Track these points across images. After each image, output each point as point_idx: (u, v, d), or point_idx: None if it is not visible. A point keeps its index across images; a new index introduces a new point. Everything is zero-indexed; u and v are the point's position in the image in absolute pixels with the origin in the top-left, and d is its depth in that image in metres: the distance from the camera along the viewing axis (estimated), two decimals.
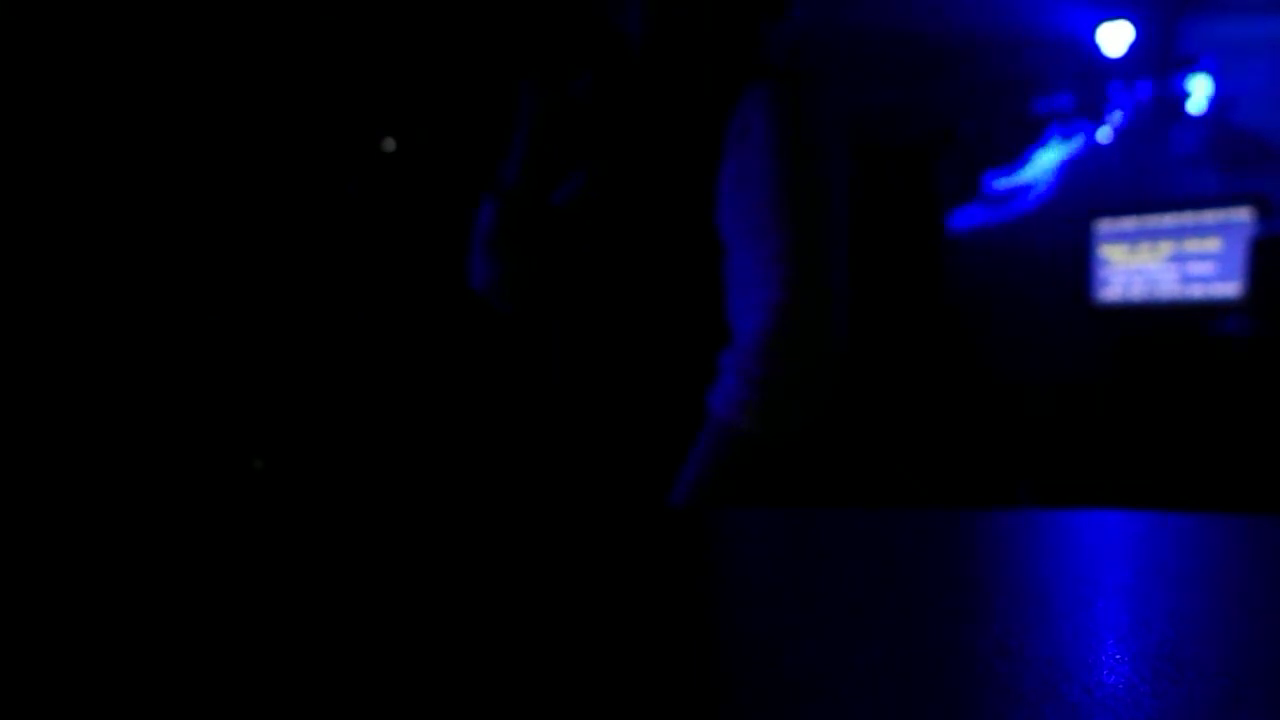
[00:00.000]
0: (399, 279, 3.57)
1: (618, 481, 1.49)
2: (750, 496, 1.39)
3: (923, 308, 5.41)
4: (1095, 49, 5.53)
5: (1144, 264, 5.62)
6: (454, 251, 1.77)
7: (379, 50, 3.53)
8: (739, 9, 1.56)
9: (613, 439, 1.51)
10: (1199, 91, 5.53)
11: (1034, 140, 5.77)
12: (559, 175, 1.60)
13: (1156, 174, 5.78)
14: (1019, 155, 5.79)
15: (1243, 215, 5.29)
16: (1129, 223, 5.68)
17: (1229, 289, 5.32)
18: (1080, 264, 5.75)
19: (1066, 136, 5.72)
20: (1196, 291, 5.44)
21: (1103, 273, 5.72)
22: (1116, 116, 5.64)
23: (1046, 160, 5.76)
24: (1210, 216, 5.43)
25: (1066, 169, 5.76)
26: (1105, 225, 5.74)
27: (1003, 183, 5.78)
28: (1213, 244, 5.40)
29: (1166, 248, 5.56)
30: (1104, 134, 5.60)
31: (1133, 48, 5.49)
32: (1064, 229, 5.77)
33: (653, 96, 1.57)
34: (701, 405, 1.43)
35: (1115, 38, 5.47)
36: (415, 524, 1.00)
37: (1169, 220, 5.57)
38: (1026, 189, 5.82)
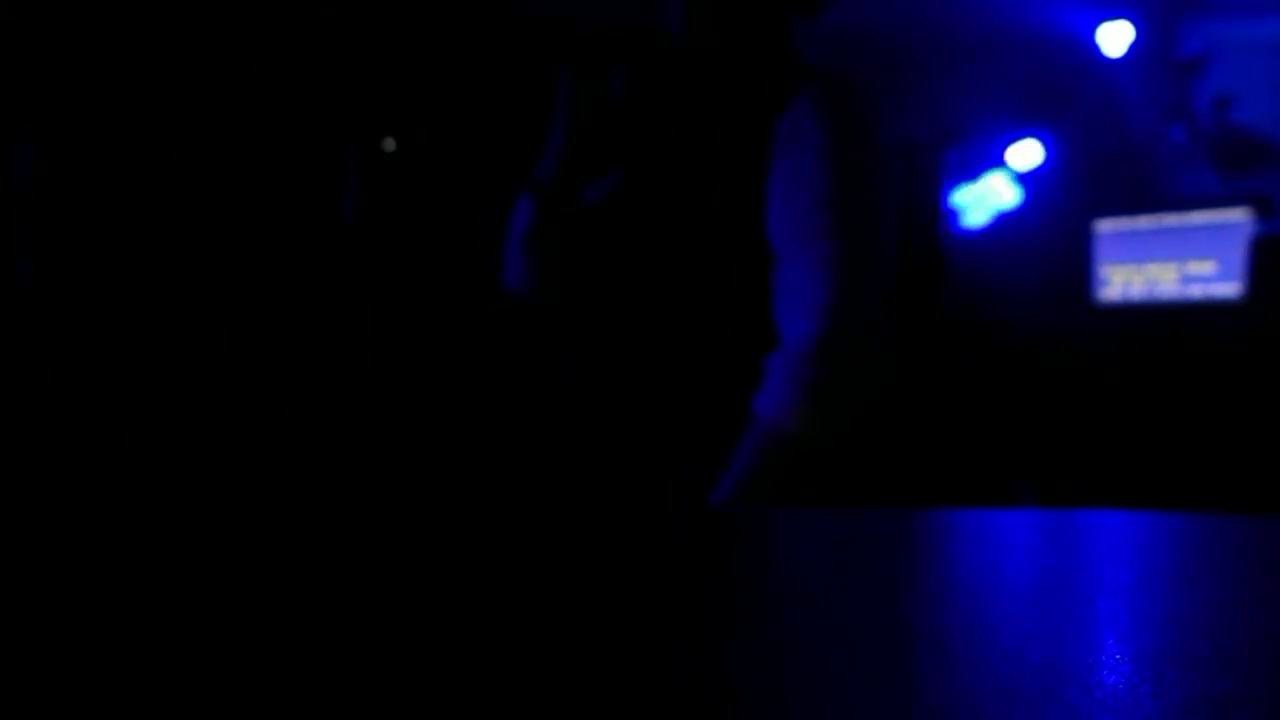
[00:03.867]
0: (397, 279, 3.57)
1: (657, 483, 1.49)
2: (791, 499, 1.39)
3: (923, 307, 5.41)
4: (1096, 49, 5.53)
5: (1144, 264, 5.62)
6: (452, 252, 1.76)
7: (379, 50, 3.53)
8: (774, 5, 1.56)
9: (653, 440, 1.50)
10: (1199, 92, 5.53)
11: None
12: (596, 172, 1.59)
13: (1156, 174, 5.78)
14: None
15: (1242, 215, 5.29)
16: (1129, 223, 5.68)
17: (1229, 289, 5.32)
18: (1080, 264, 5.75)
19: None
20: (1196, 291, 5.44)
21: (1103, 273, 5.72)
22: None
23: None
24: (1210, 216, 5.43)
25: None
26: (1105, 225, 5.74)
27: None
28: (1212, 244, 5.40)
29: (1166, 248, 5.56)
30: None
31: (1133, 48, 5.49)
32: (1064, 229, 5.77)
33: (693, 93, 1.57)
34: (744, 407, 1.42)
35: (1115, 38, 5.46)
36: (444, 526, 1.00)
37: (1169, 220, 5.57)
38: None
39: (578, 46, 1.55)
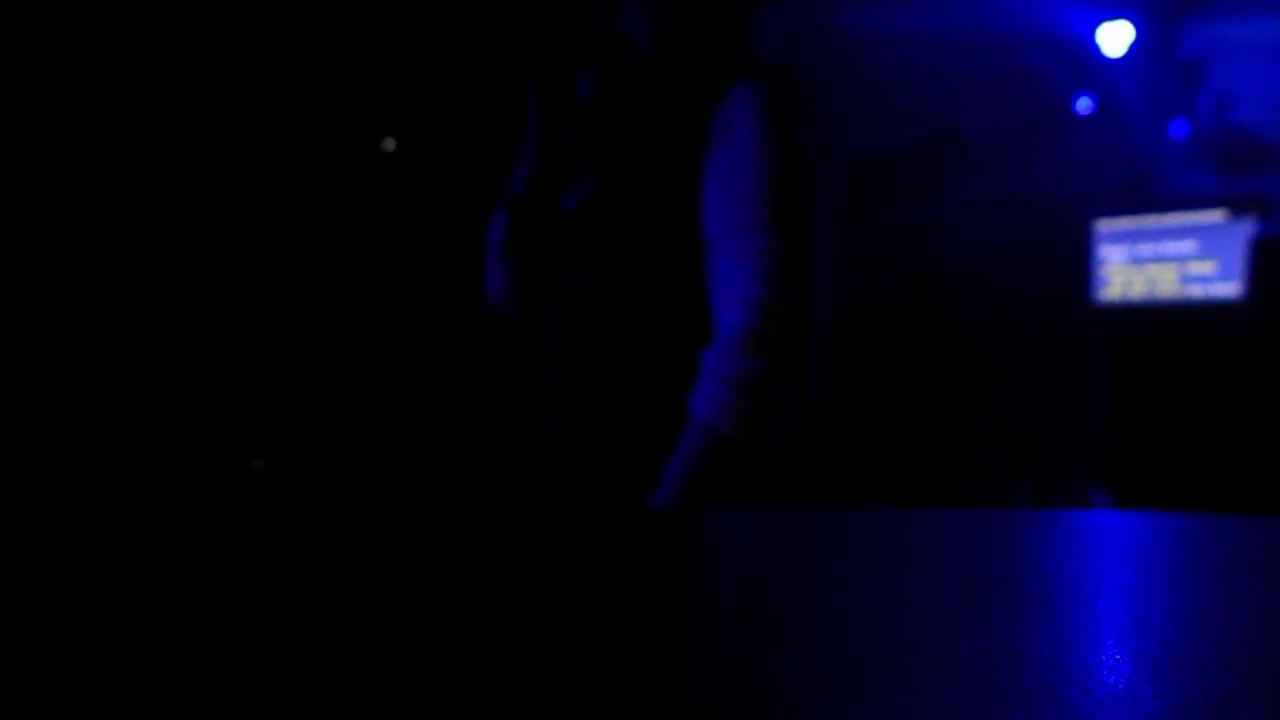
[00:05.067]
0: (397, 279, 3.57)
1: (601, 482, 1.49)
2: (731, 497, 1.39)
3: (923, 308, 5.41)
4: (1096, 49, 5.53)
5: (1143, 264, 5.62)
6: (452, 251, 1.76)
7: (379, 50, 3.53)
8: (736, 4, 1.56)
9: (597, 439, 1.51)
10: (1198, 91, 5.53)
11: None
12: (569, 180, 1.60)
13: (1156, 174, 5.78)
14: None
15: (1242, 215, 5.29)
16: (1129, 223, 5.68)
17: (1229, 289, 5.32)
18: (1080, 264, 5.75)
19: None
20: (1196, 291, 5.44)
21: (1103, 273, 5.72)
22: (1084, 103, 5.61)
23: None
24: (1210, 216, 5.43)
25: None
26: (1105, 225, 5.74)
27: None
28: (1212, 244, 5.39)
29: (1166, 248, 5.56)
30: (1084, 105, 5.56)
31: (1133, 48, 5.49)
32: (1064, 229, 5.77)
33: (657, 98, 1.57)
34: (683, 404, 1.42)
35: (1115, 38, 5.47)
36: (403, 524, 1.00)
37: (1169, 220, 5.57)
38: None
39: (544, 54, 1.56)
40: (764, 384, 1.38)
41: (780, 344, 1.39)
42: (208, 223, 3.27)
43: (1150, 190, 5.80)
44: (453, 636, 0.57)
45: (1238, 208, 5.33)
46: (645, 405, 1.47)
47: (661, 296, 1.49)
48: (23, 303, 2.85)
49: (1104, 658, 0.53)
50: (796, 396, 1.42)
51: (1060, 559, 0.87)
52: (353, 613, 0.63)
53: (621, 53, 1.55)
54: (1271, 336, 4.83)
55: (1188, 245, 5.48)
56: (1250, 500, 4.08)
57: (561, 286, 1.58)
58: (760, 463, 1.41)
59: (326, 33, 3.45)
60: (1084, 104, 5.59)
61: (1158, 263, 5.57)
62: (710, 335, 1.44)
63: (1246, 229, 5.22)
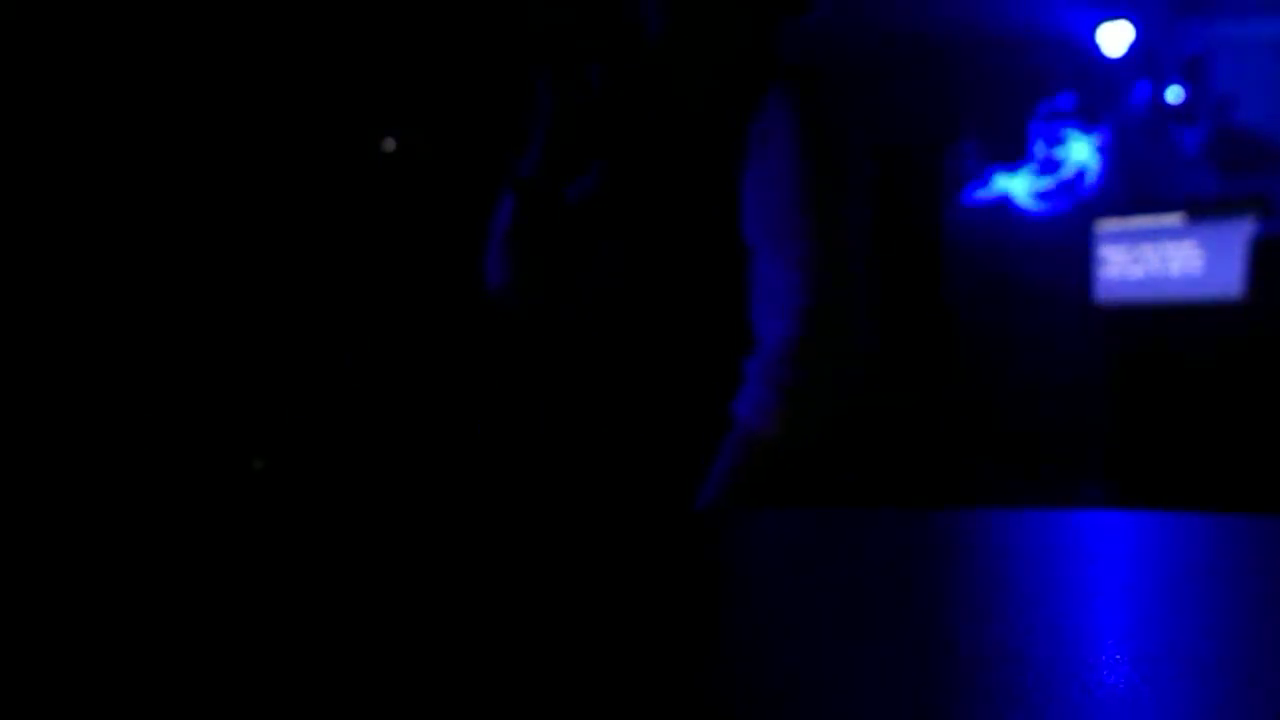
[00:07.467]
0: (400, 279, 3.57)
1: (639, 488, 1.49)
2: (773, 502, 1.39)
3: (922, 307, 5.41)
4: (1095, 49, 5.53)
5: (1144, 264, 5.61)
6: (457, 251, 1.76)
7: (379, 50, 3.53)
8: (758, 2, 1.55)
9: (634, 444, 1.50)
10: (1198, 92, 5.53)
11: (1046, 139, 5.75)
12: (577, 170, 1.59)
13: (1156, 174, 5.78)
14: (1025, 155, 5.78)
15: (1243, 215, 5.28)
16: (1129, 223, 5.68)
17: (1229, 289, 5.31)
18: (1080, 264, 5.74)
19: (1087, 131, 5.67)
20: (1196, 292, 5.44)
21: (1103, 273, 5.72)
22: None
23: (1080, 153, 5.70)
24: (1210, 216, 5.43)
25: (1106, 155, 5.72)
26: (1105, 225, 5.74)
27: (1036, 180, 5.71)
28: (1212, 244, 5.39)
29: (1166, 248, 5.55)
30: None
31: (1133, 48, 5.49)
32: (1064, 229, 5.77)
33: (669, 91, 1.56)
34: (724, 410, 1.42)
35: (1115, 38, 5.46)
36: (427, 528, 1.00)
37: (1169, 220, 5.57)
38: (1072, 182, 5.74)
39: (556, 42, 1.55)
40: (811, 390, 1.38)
41: (827, 351, 1.40)
42: (206, 222, 3.27)
43: (1150, 190, 5.80)
44: (473, 638, 0.57)
45: (1238, 208, 5.33)
46: (682, 411, 1.47)
47: (699, 301, 1.48)
48: (22, 302, 2.85)
49: (1104, 658, 0.53)
50: (842, 402, 1.42)
51: (1060, 559, 0.87)
52: (357, 615, 0.63)
53: (634, 43, 1.54)
54: (1271, 336, 4.83)
55: (1188, 245, 5.48)
56: (1250, 500, 4.08)
57: (578, 285, 1.57)
58: (802, 467, 1.41)
59: (326, 32, 3.45)
60: (1175, 93, 5.51)
61: (1158, 263, 5.57)
62: (749, 342, 1.44)
63: (1246, 229, 5.21)
